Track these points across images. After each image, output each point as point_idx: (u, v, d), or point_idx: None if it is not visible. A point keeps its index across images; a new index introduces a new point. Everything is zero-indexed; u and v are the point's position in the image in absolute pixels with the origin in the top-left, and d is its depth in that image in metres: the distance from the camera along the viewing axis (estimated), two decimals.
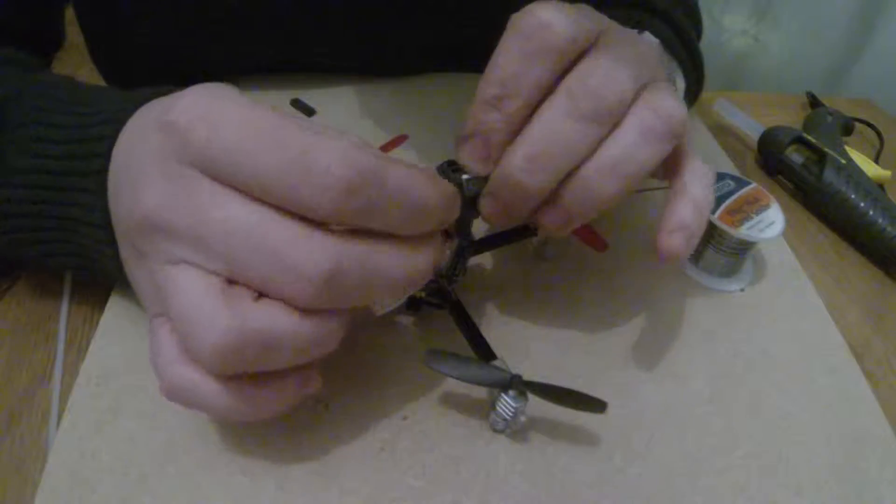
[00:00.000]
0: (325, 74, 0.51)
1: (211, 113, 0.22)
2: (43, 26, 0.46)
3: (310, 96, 0.48)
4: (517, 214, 0.27)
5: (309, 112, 0.46)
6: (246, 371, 0.22)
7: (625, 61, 0.25)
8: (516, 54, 0.24)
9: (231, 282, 0.21)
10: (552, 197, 0.26)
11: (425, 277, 0.24)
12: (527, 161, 0.24)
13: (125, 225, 0.24)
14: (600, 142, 0.25)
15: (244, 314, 0.21)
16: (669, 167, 0.28)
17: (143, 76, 0.56)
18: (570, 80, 0.24)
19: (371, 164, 0.21)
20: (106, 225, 0.26)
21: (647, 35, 0.28)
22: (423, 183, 0.22)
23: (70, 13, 0.49)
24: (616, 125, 0.25)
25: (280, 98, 0.48)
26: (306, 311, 0.21)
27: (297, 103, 0.47)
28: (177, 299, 0.21)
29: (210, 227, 0.21)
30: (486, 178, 0.26)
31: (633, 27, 0.27)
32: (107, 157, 0.26)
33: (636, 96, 0.25)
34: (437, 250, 0.24)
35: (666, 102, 0.25)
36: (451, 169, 0.27)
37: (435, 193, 0.23)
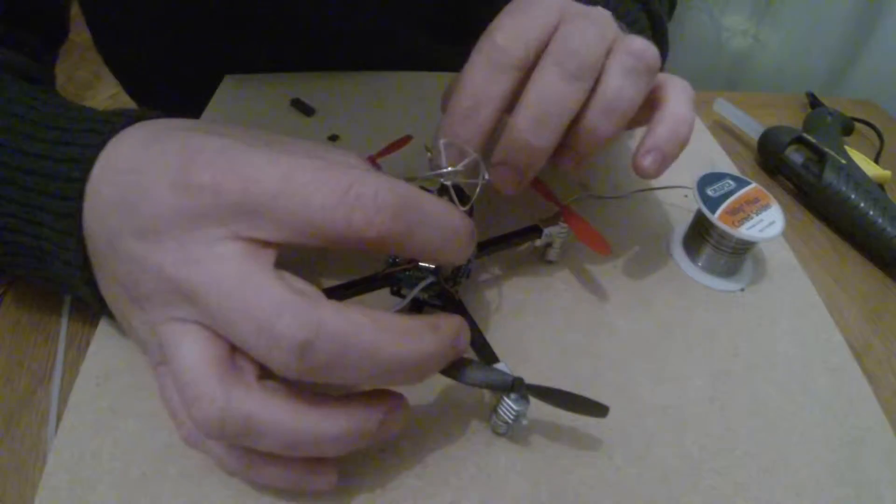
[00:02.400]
0: (325, 74, 0.51)
1: (236, 163, 0.22)
2: (51, 15, 0.46)
3: (310, 96, 0.48)
4: (528, 175, 0.29)
5: (309, 112, 0.46)
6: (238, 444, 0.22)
7: (591, 25, 0.29)
8: (482, 72, 0.28)
9: (236, 350, 0.22)
10: (561, 144, 0.29)
11: (427, 370, 0.23)
12: (533, 122, 0.28)
13: (129, 278, 0.24)
14: (586, 95, 0.28)
15: (230, 393, 0.21)
16: (651, 97, 0.32)
17: (147, 71, 0.57)
18: (553, 48, 0.28)
19: (408, 190, 0.22)
20: (82, 265, 0.25)
21: (598, 9, 0.31)
22: (451, 208, 0.24)
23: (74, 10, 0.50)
24: (596, 78, 0.29)
25: (280, 98, 0.48)
26: (295, 407, 0.21)
27: (297, 103, 0.47)
28: (176, 361, 0.22)
29: (209, 285, 0.21)
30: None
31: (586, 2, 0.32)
32: (78, 195, 0.24)
33: (609, 49, 0.29)
34: (449, 338, 0.23)
35: (636, 44, 0.29)
36: None
37: (461, 217, 0.24)
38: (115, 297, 0.26)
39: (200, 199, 0.22)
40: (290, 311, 0.20)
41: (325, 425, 0.22)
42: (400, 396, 0.24)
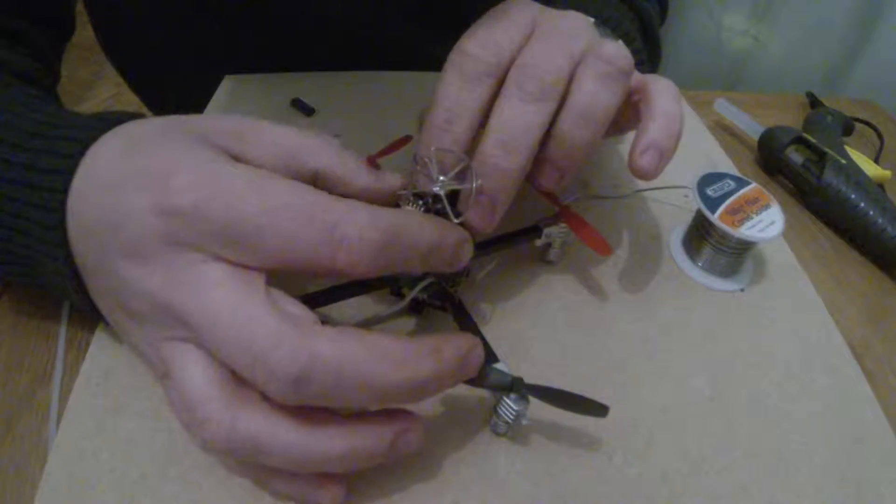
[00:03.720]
0: (325, 74, 0.51)
1: (217, 186, 0.22)
2: (57, 7, 0.46)
3: (310, 96, 0.48)
4: (502, 204, 0.28)
5: (309, 112, 0.46)
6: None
7: (557, 41, 0.28)
8: (454, 84, 0.28)
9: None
10: (541, 159, 0.29)
11: (426, 394, 0.22)
12: (499, 146, 0.27)
13: (122, 296, 0.24)
14: (552, 112, 0.28)
15: (235, 416, 0.21)
16: (635, 97, 0.31)
17: (149, 66, 0.57)
18: (513, 71, 0.28)
19: (394, 221, 0.22)
20: (72, 276, 0.25)
21: (572, 14, 0.32)
22: (440, 227, 0.24)
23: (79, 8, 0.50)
24: (563, 93, 0.28)
25: (280, 98, 0.48)
26: (302, 426, 0.21)
27: (297, 103, 0.47)
28: (180, 383, 0.22)
29: (201, 312, 0.21)
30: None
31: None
32: (61, 207, 0.24)
33: (578, 58, 0.28)
34: (451, 363, 0.22)
35: (608, 49, 0.28)
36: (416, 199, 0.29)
37: (451, 233, 0.25)
38: (110, 309, 0.26)
39: (183, 225, 0.21)
40: (284, 345, 0.20)
41: (332, 445, 0.22)
42: (415, 416, 0.24)
